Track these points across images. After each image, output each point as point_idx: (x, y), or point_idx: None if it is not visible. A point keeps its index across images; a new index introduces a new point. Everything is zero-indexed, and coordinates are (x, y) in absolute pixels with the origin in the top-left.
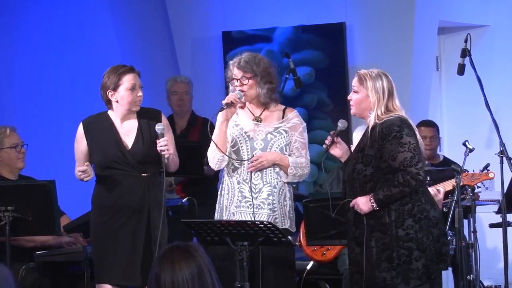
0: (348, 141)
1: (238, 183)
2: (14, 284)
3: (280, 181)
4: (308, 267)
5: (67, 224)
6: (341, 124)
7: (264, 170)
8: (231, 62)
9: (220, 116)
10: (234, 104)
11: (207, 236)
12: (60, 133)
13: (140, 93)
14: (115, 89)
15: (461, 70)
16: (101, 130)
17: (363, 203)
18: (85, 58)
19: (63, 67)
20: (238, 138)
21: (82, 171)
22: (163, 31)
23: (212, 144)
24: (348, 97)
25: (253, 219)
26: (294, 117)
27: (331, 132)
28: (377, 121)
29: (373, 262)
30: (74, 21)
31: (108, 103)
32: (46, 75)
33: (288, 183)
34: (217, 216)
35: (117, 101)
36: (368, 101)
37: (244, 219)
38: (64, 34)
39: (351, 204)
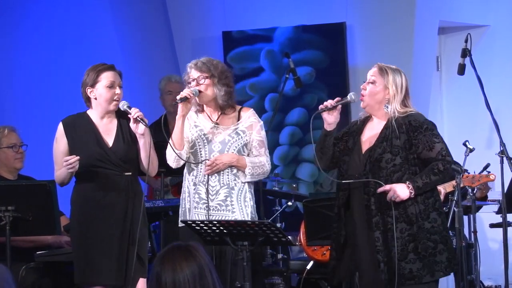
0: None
1: (195, 184)
2: (14, 284)
3: (238, 182)
4: (308, 266)
5: (67, 224)
6: (353, 96)
7: (221, 172)
8: (188, 65)
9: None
10: (189, 99)
11: (207, 236)
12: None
13: (118, 91)
14: (93, 85)
15: (461, 70)
16: (81, 129)
17: (401, 190)
18: (85, 58)
19: (63, 67)
20: (197, 140)
21: (71, 162)
22: (163, 31)
23: (170, 142)
24: (362, 87)
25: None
26: (250, 115)
27: (337, 98)
28: (396, 114)
29: (399, 253)
30: (74, 21)
31: (88, 101)
32: (46, 75)
33: (248, 183)
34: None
35: (95, 98)
36: (385, 93)
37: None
38: (64, 34)
39: (382, 189)
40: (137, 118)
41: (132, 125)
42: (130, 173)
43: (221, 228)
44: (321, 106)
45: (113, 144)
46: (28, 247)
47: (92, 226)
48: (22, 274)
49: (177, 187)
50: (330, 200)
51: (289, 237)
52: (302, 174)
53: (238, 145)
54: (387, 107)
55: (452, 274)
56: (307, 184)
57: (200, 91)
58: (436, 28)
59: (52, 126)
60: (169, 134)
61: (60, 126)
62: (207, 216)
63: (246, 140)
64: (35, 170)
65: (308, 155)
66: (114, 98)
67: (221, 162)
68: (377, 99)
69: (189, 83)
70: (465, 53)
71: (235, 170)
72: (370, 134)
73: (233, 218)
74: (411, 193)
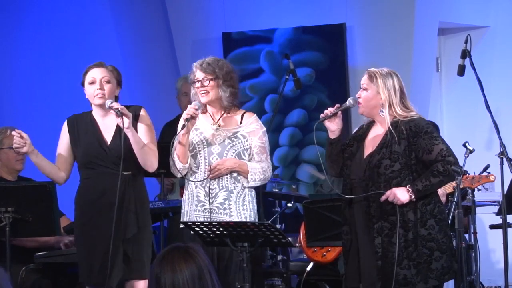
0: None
1: (196, 187)
2: (12, 285)
3: (237, 186)
4: (308, 268)
5: (68, 225)
6: (352, 101)
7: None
8: (194, 64)
9: (183, 130)
10: (194, 117)
11: (207, 237)
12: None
13: (97, 87)
14: (82, 85)
15: (461, 71)
16: (83, 127)
17: (401, 193)
18: (85, 58)
19: (63, 68)
20: (197, 142)
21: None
22: (163, 32)
23: (174, 154)
24: (357, 95)
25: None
26: (253, 121)
27: (337, 105)
28: (399, 118)
29: (395, 258)
30: (74, 21)
31: (89, 101)
32: (46, 76)
33: (250, 187)
34: None
35: (87, 98)
36: (377, 98)
37: None
38: (64, 34)
39: (384, 197)
40: (117, 110)
41: (117, 120)
42: (130, 172)
43: (221, 229)
44: (322, 115)
45: (111, 142)
46: (32, 246)
47: (91, 226)
48: (22, 275)
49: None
50: (330, 201)
51: (289, 238)
52: (302, 175)
53: (238, 149)
54: (382, 112)
55: None
56: (307, 185)
57: (206, 91)
58: (436, 29)
59: (51, 126)
60: None
61: (65, 124)
62: (204, 219)
63: (247, 145)
64: (35, 171)
65: (308, 156)
66: (95, 94)
67: (223, 167)
68: (371, 105)
69: (194, 82)
70: (465, 54)
71: (235, 174)
72: (372, 139)
73: None
74: (411, 196)
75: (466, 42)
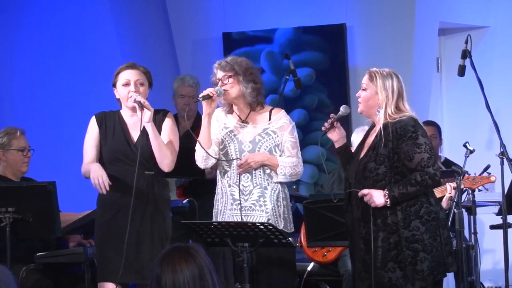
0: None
1: (229, 186)
2: (16, 285)
3: (271, 182)
4: (309, 268)
5: (68, 225)
6: (344, 109)
7: (254, 172)
8: (214, 65)
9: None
10: (212, 97)
11: (208, 237)
12: (61, 133)
13: (132, 89)
14: (114, 85)
15: (461, 71)
16: (111, 124)
17: (378, 197)
18: (85, 59)
19: (63, 68)
20: (227, 140)
21: (102, 180)
22: (164, 32)
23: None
24: (357, 95)
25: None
26: (282, 117)
27: (331, 115)
28: (389, 120)
29: (379, 262)
30: (74, 22)
31: (118, 101)
32: (46, 76)
33: (281, 183)
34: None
35: (118, 98)
36: (376, 98)
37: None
38: (64, 34)
39: (361, 193)
40: (139, 103)
41: (138, 113)
42: (152, 172)
43: (222, 229)
44: (322, 128)
45: (138, 140)
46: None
47: (111, 224)
48: (22, 275)
49: (182, 189)
50: (331, 201)
51: (289, 238)
52: (303, 175)
53: (269, 145)
54: (379, 112)
55: (452, 275)
56: (307, 186)
57: (225, 90)
58: (436, 29)
59: (52, 126)
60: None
61: (93, 119)
62: (240, 217)
63: (278, 141)
64: (35, 172)
65: (308, 157)
66: (129, 96)
67: (253, 160)
68: (370, 105)
69: (216, 84)
70: (465, 54)
71: (268, 170)
72: (369, 141)
73: (266, 218)
74: (386, 202)
75: (466, 42)
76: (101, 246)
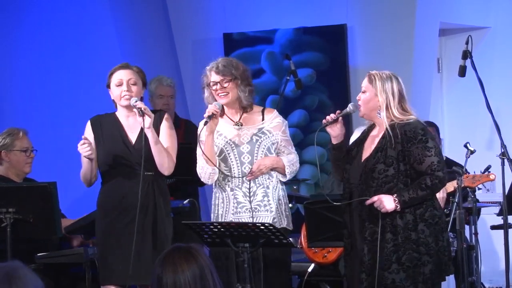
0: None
1: (232, 190)
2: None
3: (272, 181)
4: (309, 269)
5: (68, 225)
6: (352, 106)
7: None
8: (207, 68)
9: (205, 130)
10: (216, 115)
11: (208, 237)
12: (61, 134)
13: (124, 88)
14: (108, 86)
15: (462, 71)
16: (107, 127)
17: (388, 202)
18: (85, 59)
19: (63, 68)
20: (224, 146)
21: (81, 144)
22: (164, 32)
23: (199, 159)
24: (357, 97)
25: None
26: (275, 116)
27: (337, 111)
28: (395, 121)
29: (383, 263)
30: (74, 21)
31: (114, 101)
32: (46, 76)
33: (280, 181)
34: None
35: (113, 99)
36: (375, 100)
37: None
38: (64, 34)
39: (370, 201)
40: (139, 110)
41: (138, 119)
42: (152, 173)
43: (222, 229)
44: (323, 121)
45: (136, 141)
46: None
47: (113, 227)
48: None
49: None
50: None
51: (290, 239)
52: (303, 175)
53: (267, 143)
54: (379, 114)
55: (453, 276)
56: (308, 186)
57: (226, 92)
58: (436, 30)
59: (52, 127)
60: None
61: (88, 124)
62: (249, 219)
63: (274, 140)
64: (35, 172)
65: (309, 157)
66: (122, 95)
67: (264, 166)
68: (370, 107)
69: (209, 85)
70: (466, 54)
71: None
72: (370, 142)
73: (271, 218)
74: (396, 206)
75: (467, 43)
76: (102, 248)
